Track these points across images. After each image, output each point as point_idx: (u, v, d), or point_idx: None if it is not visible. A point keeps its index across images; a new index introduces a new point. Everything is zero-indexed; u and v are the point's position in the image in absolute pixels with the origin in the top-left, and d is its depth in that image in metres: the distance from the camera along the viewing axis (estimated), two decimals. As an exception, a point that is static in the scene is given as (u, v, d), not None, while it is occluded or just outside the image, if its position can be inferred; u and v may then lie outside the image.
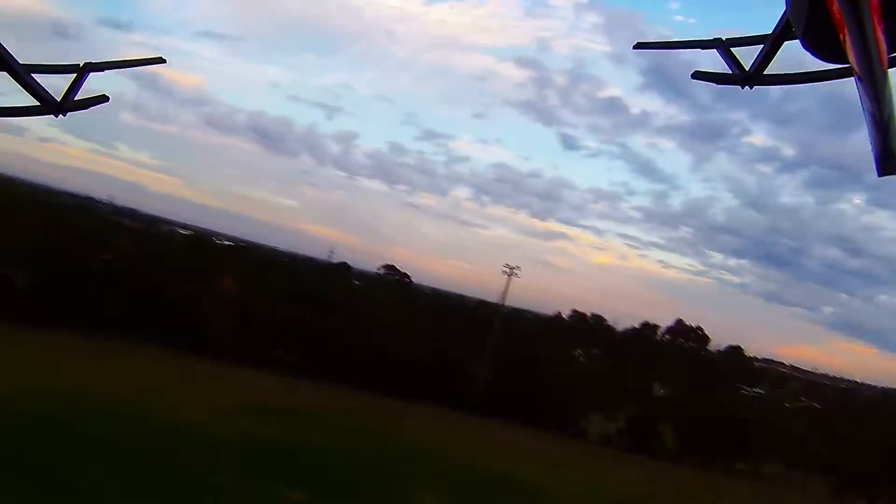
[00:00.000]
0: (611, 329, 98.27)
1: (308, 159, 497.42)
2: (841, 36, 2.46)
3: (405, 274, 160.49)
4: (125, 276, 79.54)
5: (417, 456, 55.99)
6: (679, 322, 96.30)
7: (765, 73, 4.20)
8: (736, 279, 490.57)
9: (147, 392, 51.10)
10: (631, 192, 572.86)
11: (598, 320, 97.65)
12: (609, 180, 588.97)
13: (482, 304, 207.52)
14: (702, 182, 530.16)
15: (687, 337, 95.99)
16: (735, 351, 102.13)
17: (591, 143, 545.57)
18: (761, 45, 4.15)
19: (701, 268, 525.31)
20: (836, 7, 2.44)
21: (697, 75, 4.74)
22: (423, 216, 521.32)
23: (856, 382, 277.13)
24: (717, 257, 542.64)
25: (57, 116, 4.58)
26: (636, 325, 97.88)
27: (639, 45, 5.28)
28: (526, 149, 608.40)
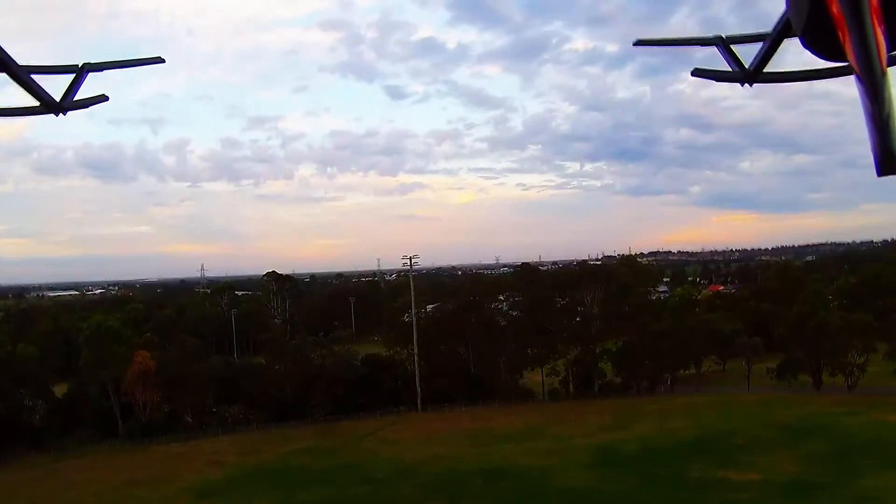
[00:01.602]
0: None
1: (148, 179, 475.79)
2: (841, 36, 2.42)
3: (287, 277, 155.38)
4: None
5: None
6: (582, 262, 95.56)
7: (764, 70, 4.07)
8: (597, 183, 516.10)
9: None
10: (470, 126, 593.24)
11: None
12: (446, 119, 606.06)
13: (372, 286, 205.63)
14: (536, 98, 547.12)
15: (594, 275, 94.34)
16: (629, 260, 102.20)
17: (417, 87, 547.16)
18: (761, 43, 3.99)
19: (560, 180, 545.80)
20: (836, 7, 2.40)
21: (697, 72, 4.63)
22: (276, 205, 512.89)
23: (746, 251, 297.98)
24: (573, 166, 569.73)
25: (57, 116, 4.60)
26: (531, 262, 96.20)
27: (638, 42, 5.13)
28: (356, 110, 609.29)
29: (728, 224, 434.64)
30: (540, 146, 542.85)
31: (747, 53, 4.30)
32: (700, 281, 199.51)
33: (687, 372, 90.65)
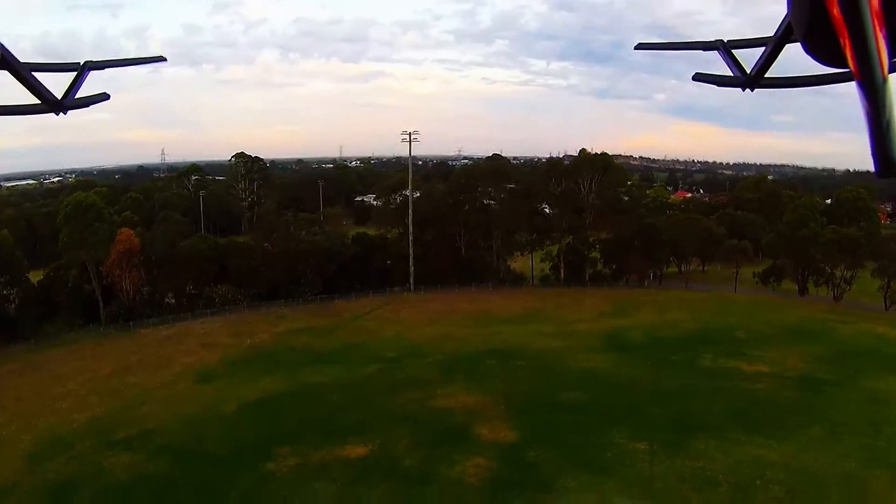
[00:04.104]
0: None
1: None
2: (842, 40, 2.40)
3: (256, 158, 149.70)
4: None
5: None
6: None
7: (766, 75, 4.06)
8: (563, 82, 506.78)
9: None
10: (438, 17, 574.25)
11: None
12: (413, 9, 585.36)
13: (340, 170, 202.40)
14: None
15: (593, 163, 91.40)
16: (602, 157, 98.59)
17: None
18: (763, 48, 4.00)
19: (525, 77, 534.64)
20: (837, 11, 2.37)
21: (698, 77, 4.65)
22: (236, 90, 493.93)
23: (707, 163, 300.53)
24: (540, 64, 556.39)
25: (58, 115, 4.54)
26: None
27: (640, 46, 5.27)
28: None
29: (690, 135, 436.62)
30: (507, 42, 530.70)
31: (749, 58, 4.20)
32: (667, 187, 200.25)
33: (670, 270, 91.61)
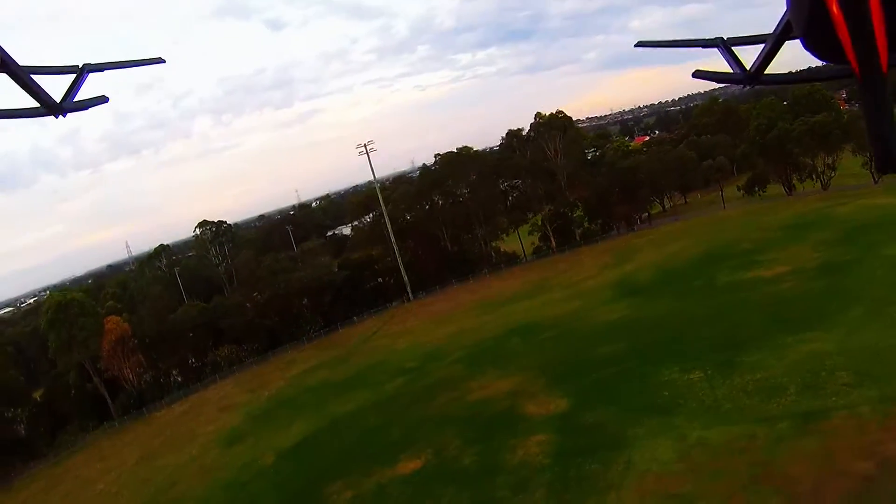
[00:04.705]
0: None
1: (49, 177, 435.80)
2: (841, 37, 2.45)
3: (221, 222, 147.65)
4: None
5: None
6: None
7: (766, 72, 4.03)
8: (492, 68, 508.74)
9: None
10: (355, 40, 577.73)
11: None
12: (330, 39, 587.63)
13: (304, 211, 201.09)
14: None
15: (550, 125, 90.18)
16: (561, 116, 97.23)
17: (295, 13, 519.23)
18: (762, 45, 3.95)
19: (455, 74, 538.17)
20: (836, 8, 2.42)
21: (698, 74, 4.52)
22: (181, 167, 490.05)
23: (654, 105, 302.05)
24: (466, 58, 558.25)
25: (57, 117, 4.48)
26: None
27: (640, 44, 5.09)
28: (239, 51, 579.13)
29: (631, 83, 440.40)
30: (428, 45, 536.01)
31: (749, 55, 4.09)
32: (625, 137, 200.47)
33: (654, 210, 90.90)
